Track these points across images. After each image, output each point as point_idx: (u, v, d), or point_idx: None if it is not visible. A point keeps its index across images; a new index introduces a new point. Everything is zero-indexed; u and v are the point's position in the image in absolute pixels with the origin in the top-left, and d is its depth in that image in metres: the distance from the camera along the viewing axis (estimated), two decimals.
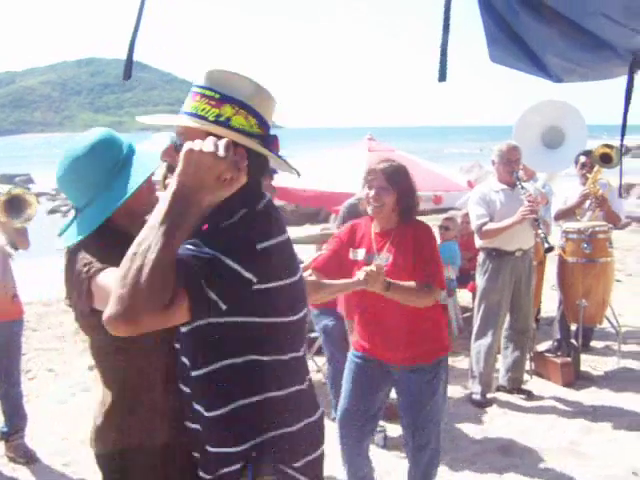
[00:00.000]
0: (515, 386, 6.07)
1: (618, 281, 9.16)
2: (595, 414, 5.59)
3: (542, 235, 5.47)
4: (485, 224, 5.72)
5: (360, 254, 3.71)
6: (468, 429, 5.38)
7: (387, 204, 3.64)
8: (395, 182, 3.65)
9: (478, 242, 5.97)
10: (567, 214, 6.68)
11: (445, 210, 8.38)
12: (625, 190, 21.58)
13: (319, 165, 8.33)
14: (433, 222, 8.43)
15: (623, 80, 3.17)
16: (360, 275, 3.37)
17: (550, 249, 5.52)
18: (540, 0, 2.59)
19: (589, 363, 6.70)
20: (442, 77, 2.11)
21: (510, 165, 5.78)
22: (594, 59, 3.39)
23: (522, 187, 5.67)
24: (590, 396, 5.98)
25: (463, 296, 8.41)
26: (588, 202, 6.64)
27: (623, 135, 3.47)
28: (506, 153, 5.81)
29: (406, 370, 3.69)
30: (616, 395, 5.96)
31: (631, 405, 5.74)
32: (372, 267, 3.37)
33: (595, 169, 6.64)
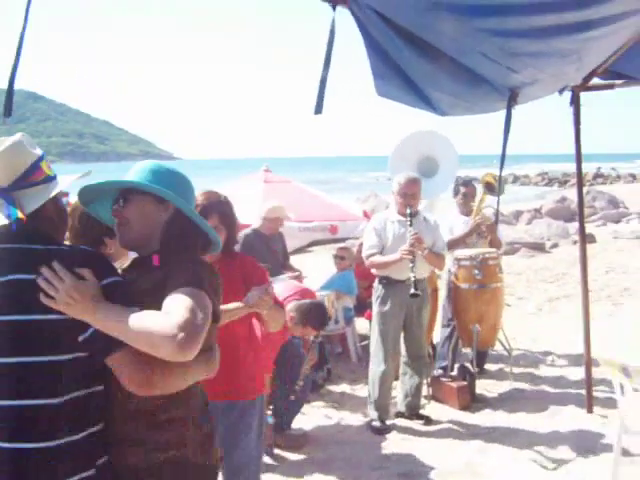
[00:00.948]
0: (413, 412, 6.14)
1: (509, 305, 9.47)
2: (491, 435, 5.73)
3: (412, 279, 5.53)
4: (373, 255, 5.82)
5: None
6: (368, 456, 5.41)
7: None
8: (226, 219, 3.57)
9: (373, 270, 6.07)
10: (457, 243, 6.87)
11: (341, 240, 8.46)
12: (514, 217, 22.37)
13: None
14: (329, 252, 8.56)
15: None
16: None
17: (414, 295, 5.56)
18: (423, 38, 2.70)
19: (484, 386, 6.89)
20: (318, 110, 2.16)
21: (405, 198, 5.85)
22: (475, 94, 3.56)
23: (410, 224, 5.74)
24: (485, 418, 6.14)
25: (361, 324, 8.50)
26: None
27: (502, 165, 3.63)
28: (403, 187, 5.88)
29: (222, 405, 3.51)
30: (510, 416, 6.15)
31: (524, 425, 5.92)
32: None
33: (479, 197, 6.92)
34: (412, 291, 5.53)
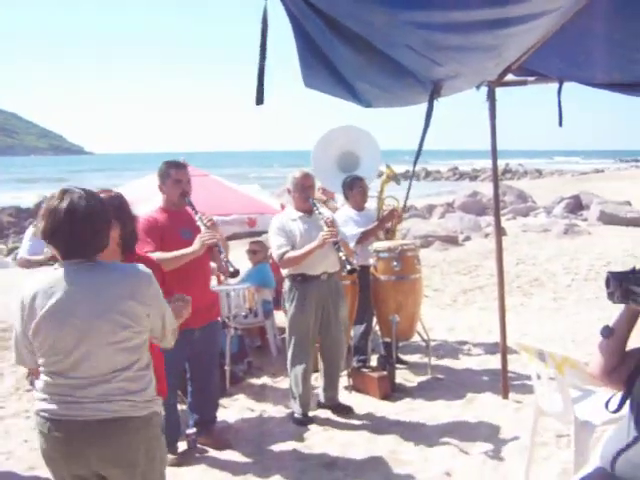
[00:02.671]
0: (334, 403, 6.20)
1: (426, 297, 9.64)
2: (411, 423, 5.85)
3: (343, 258, 5.64)
4: (286, 252, 5.74)
5: None
6: (291, 447, 5.45)
7: (112, 238, 3.28)
8: (117, 213, 3.48)
9: (283, 270, 6.03)
10: (369, 235, 6.96)
11: (260, 233, 8.46)
12: (427, 211, 22.75)
13: (127, 192, 8.16)
14: (247, 246, 8.55)
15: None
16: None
17: (352, 271, 5.72)
18: (351, 29, 2.74)
19: (403, 376, 7.01)
20: (259, 100, 2.19)
21: (305, 192, 5.87)
22: (399, 86, 3.62)
23: (319, 212, 5.81)
24: (406, 406, 6.25)
25: (280, 317, 8.52)
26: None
27: (417, 159, 3.70)
28: (300, 180, 5.88)
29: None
30: (429, 404, 6.28)
31: (443, 413, 6.07)
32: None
33: (380, 189, 7.11)
34: (348, 267, 5.60)
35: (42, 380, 2.94)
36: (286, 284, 5.98)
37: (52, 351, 2.84)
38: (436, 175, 63.23)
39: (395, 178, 7.35)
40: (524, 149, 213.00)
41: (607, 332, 2.86)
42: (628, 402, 2.84)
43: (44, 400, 2.91)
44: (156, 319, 3.03)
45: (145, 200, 6.26)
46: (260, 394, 6.73)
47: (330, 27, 2.60)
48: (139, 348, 2.97)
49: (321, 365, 6.26)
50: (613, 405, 2.84)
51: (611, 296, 2.75)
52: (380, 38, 2.86)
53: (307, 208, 5.89)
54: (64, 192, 2.91)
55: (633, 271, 2.76)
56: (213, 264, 5.49)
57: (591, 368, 3.01)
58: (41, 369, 2.93)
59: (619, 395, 2.86)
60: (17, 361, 3.08)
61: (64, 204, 2.86)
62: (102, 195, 3.35)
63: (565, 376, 4.26)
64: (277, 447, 5.47)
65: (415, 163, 3.94)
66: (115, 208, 3.47)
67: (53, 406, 2.87)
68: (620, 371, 2.87)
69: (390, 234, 7.24)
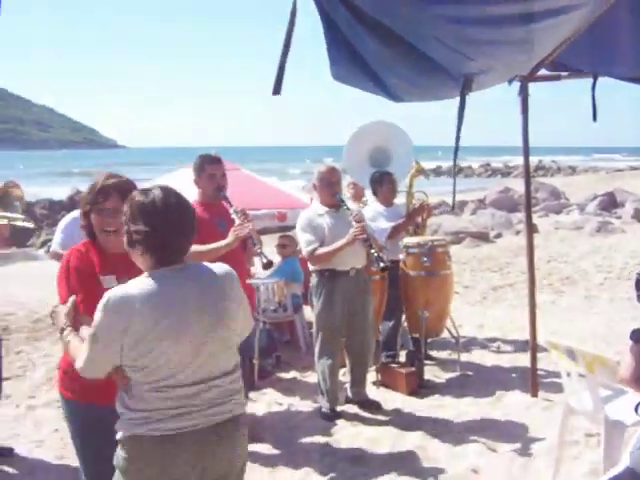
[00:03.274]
0: (361, 398, 6.18)
1: (456, 293, 9.60)
2: (439, 420, 5.82)
3: (375, 254, 5.63)
4: (316, 249, 5.73)
5: (110, 281, 3.17)
6: (319, 442, 5.46)
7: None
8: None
9: (311, 266, 6.01)
10: (400, 230, 6.93)
11: (290, 227, 8.49)
12: (459, 207, 22.65)
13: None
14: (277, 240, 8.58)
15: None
16: None
17: (385, 268, 5.71)
18: (382, 23, 2.73)
19: (432, 372, 6.98)
20: (276, 91, 2.18)
21: (332, 187, 5.84)
22: (430, 81, 3.60)
23: (347, 208, 5.80)
24: (433, 403, 6.23)
25: (309, 312, 8.53)
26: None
27: (456, 154, 3.68)
28: (326, 175, 5.87)
29: None
30: (457, 401, 6.25)
31: (470, 409, 6.04)
32: None
33: (409, 184, 7.10)
34: (381, 265, 5.60)
35: (142, 397, 2.66)
36: (314, 279, 5.98)
37: (167, 366, 2.63)
38: (468, 171, 62.84)
39: (424, 173, 7.33)
40: (562, 145, 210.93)
41: (637, 336, 2.83)
42: None
43: (148, 418, 2.65)
44: (245, 314, 2.98)
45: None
46: (288, 388, 6.74)
47: (360, 21, 2.59)
48: (236, 347, 2.93)
49: (348, 360, 6.24)
50: None
51: None
52: (410, 32, 2.85)
53: (334, 203, 5.87)
54: (148, 190, 2.73)
55: None
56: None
57: (621, 372, 2.98)
58: (143, 386, 2.65)
59: None
60: (90, 373, 2.72)
61: (166, 199, 2.70)
62: (114, 179, 3.27)
63: (596, 374, 4.22)
64: (305, 441, 5.48)
65: (455, 159, 3.93)
66: (120, 186, 3.25)
67: (170, 421, 2.66)
68: None
69: (420, 229, 7.21)
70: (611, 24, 4.23)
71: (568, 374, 4.50)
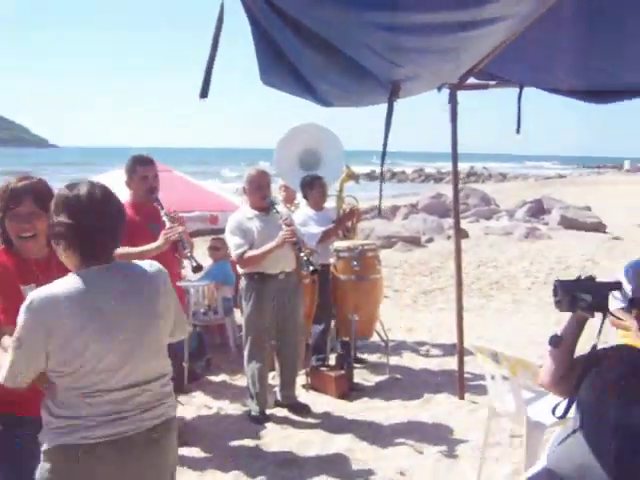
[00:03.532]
0: (291, 401, 6.20)
1: (386, 297, 9.69)
2: (368, 423, 5.87)
3: (304, 258, 5.66)
4: (245, 252, 5.72)
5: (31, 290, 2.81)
6: (248, 445, 5.45)
7: (41, 231, 2.99)
8: (44, 202, 2.89)
9: (240, 269, 5.99)
10: (330, 235, 6.95)
11: (222, 230, 8.46)
12: (391, 212, 22.84)
13: None
14: (208, 243, 8.54)
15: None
16: None
17: (314, 271, 5.75)
18: (311, 29, 2.74)
19: (362, 375, 7.04)
20: (204, 94, 2.17)
21: (261, 190, 5.84)
22: (359, 87, 3.64)
23: (277, 211, 5.80)
24: (363, 406, 6.28)
25: (240, 315, 8.51)
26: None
27: (383, 159, 3.73)
28: (256, 178, 5.87)
29: None
30: (386, 403, 6.32)
31: (399, 412, 6.12)
32: None
33: (339, 188, 7.16)
34: (311, 268, 5.65)
35: (70, 404, 2.52)
36: (243, 282, 5.96)
37: (96, 370, 2.49)
38: (401, 176, 63.54)
39: (354, 177, 7.38)
40: (495, 152, 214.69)
41: (556, 341, 2.90)
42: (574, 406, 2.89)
43: (76, 426, 2.50)
44: (178, 315, 2.91)
45: None
46: (218, 392, 6.71)
47: (289, 26, 2.61)
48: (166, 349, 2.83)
49: (278, 363, 6.24)
50: (560, 411, 2.88)
51: (559, 304, 2.78)
52: (340, 38, 2.88)
53: (263, 206, 5.87)
54: (75, 184, 2.60)
55: (579, 279, 2.80)
56: None
57: (541, 377, 3.06)
58: (71, 392, 2.51)
59: (566, 401, 2.90)
60: (13, 381, 2.53)
61: (92, 193, 2.57)
62: (25, 182, 3.05)
63: (518, 377, 4.32)
64: (234, 445, 5.46)
65: (382, 164, 3.98)
66: (46, 196, 2.97)
67: (101, 428, 2.52)
68: (569, 379, 2.91)
69: (350, 234, 7.26)
70: (539, 36, 4.34)
71: (492, 377, 4.60)
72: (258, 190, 5.84)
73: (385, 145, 3.51)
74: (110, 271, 2.62)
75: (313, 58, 3.01)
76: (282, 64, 2.98)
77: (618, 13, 4.08)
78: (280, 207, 6.01)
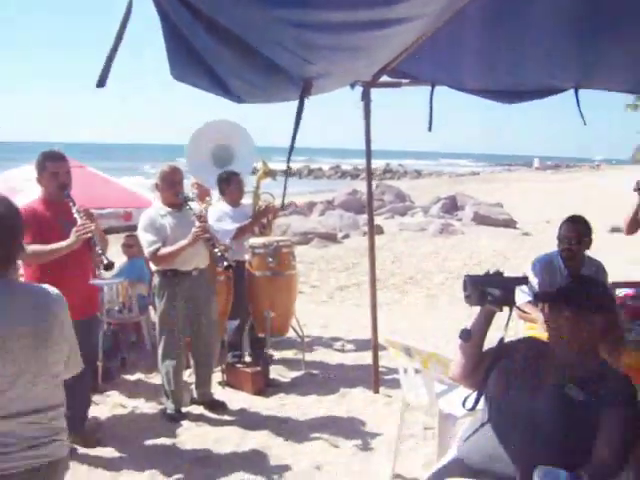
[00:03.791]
0: (206, 399, 6.17)
1: (301, 293, 9.73)
2: (284, 418, 5.91)
3: (218, 254, 5.64)
4: (158, 249, 5.65)
5: None
6: (164, 443, 5.40)
7: None
8: None
9: (153, 266, 5.92)
10: (246, 231, 6.93)
11: (136, 227, 8.35)
12: (308, 208, 22.94)
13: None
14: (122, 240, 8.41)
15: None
16: None
17: (228, 267, 5.74)
18: (222, 25, 2.73)
19: (278, 371, 7.05)
20: (101, 83, 2.14)
21: (174, 186, 5.77)
22: (271, 83, 3.64)
23: (190, 208, 5.75)
24: (279, 402, 6.31)
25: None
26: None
27: (290, 155, 3.75)
28: (169, 175, 5.79)
29: None
30: (302, 399, 6.36)
31: (314, 407, 6.17)
32: None
33: (256, 185, 7.17)
34: (225, 264, 5.61)
35: None
36: (156, 279, 5.89)
37: None
38: (318, 173, 63.93)
39: (271, 174, 7.39)
40: (411, 150, 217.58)
41: (466, 335, 2.97)
42: (483, 397, 2.97)
43: None
44: (72, 346, 2.75)
45: (20, 191, 6.11)
46: (133, 390, 6.62)
47: (199, 21, 2.59)
48: (61, 379, 2.64)
49: (193, 361, 6.20)
50: (470, 403, 2.96)
51: (468, 299, 2.85)
52: (251, 35, 2.87)
53: (176, 203, 5.81)
54: None
55: (488, 274, 2.88)
56: None
57: (452, 370, 3.13)
58: None
59: (476, 393, 2.99)
60: None
61: None
62: None
63: (430, 371, 4.41)
64: (149, 443, 5.40)
65: (288, 160, 3.99)
66: None
67: None
68: (478, 371, 2.99)
69: (266, 230, 7.26)
70: (449, 36, 4.43)
71: (405, 371, 4.69)
72: (171, 186, 5.78)
73: (293, 140, 3.52)
74: (1, 288, 2.48)
75: (224, 54, 3.00)
76: (193, 59, 2.96)
77: (523, 16, 4.22)
78: (193, 204, 5.95)
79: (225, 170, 7.27)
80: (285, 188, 4.39)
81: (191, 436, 5.56)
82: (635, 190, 5.67)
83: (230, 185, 7.05)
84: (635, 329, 4.60)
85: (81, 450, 5.18)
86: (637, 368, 4.14)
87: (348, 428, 5.67)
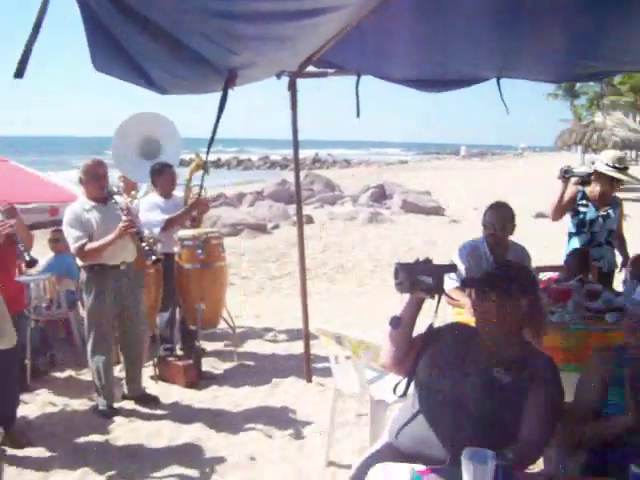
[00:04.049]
0: (138, 394, 6.11)
1: (232, 284, 9.71)
2: (217, 410, 5.90)
3: (146, 248, 5.60)
4: (85, 245, 5.56)
5: None
6: (96, 440, 5.33)
7: None
8: None
9: (80, 261, 5.79)
10: (174, 223, 6.84)
11: (62, 222, 8.21)
12: (237, 199, 22.85)
13: None
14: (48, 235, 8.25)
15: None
16: None
17: (157, 261, 5.70)
18: (144, 15, 2.69)
19: (210, 363, 7.03)
20: (19, 74, 2.09)
21: (99, 180, 5.67)
22: (195, 74, 3.62)
23: (115, 201, 5.69)
24: (212, 394, 6.29)
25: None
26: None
27: (210, 146, 3.73)
28: (93, 168, 5.69)
29: None
30: (235, 390, 6.36)
31: (248, 398, 6.18)
32: None
33: (188, 177, 7.17)
34: (153, 258, 5.59)
35: None
36: (83, 275, 5.78)
37: None
38: (247, 164, 63.65)
39: (204, 167, 7.35)
40: (342, 139, 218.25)
41: (396, 322, 3.01)
42: (413, 383, 3.02)
43: None
44: None
45: None
46: (63, 388, 6.50)
47: (120, 11, 2.55)
48: None
49: (123, 356, 6.13)
50: (400, 389, 3.01)
51: (399, 287, 2.88)
52: (174, 25, 2.84)
53: (101, 197, 5.71)
54: None
55: (418, 262, 2.93)
56: None
57: (382, 358, 3.17)
58: None
59: (406, 379, 3.03)
60: None
61: None
62: None
63: (360, 358, 4.46)
64: (81, 441, 5.32)
65: (208, 152, 3.97)
66: None
67: None
68: (408, 358, 3.04)
69: (196, 222, 7.21)
70: (374, 26, 4.47)
71: (336, 359, 4.73)
72: (95, 180, 5.67)
73: (214, 132, 3.50)
74: None
75: (146, 44, 2.96)
76: (115, 50, 2.91)
77: (447, 7, 4.28)
78: (118, 197, 5.87)
79: (158, 162, 7.19)
80: (203, 178, 4.37)
81: (124, 432, 5.50)
82: (559, 178, 5.85)
83: (162, 176, 6.97)
84: (558, 311, 4.74)
85: (10, 451, 5.07)
86: (559, 349, 4.28)
87: (282, 418, 5.70)
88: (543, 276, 5.87)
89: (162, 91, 3.63)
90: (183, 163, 8.19)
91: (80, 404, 6.07)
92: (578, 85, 68.74)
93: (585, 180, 5.96)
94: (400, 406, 3.23)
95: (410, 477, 2.54)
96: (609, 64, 5.47)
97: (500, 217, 5.07)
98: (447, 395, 2.87)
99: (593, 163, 6.04)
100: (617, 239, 6.23)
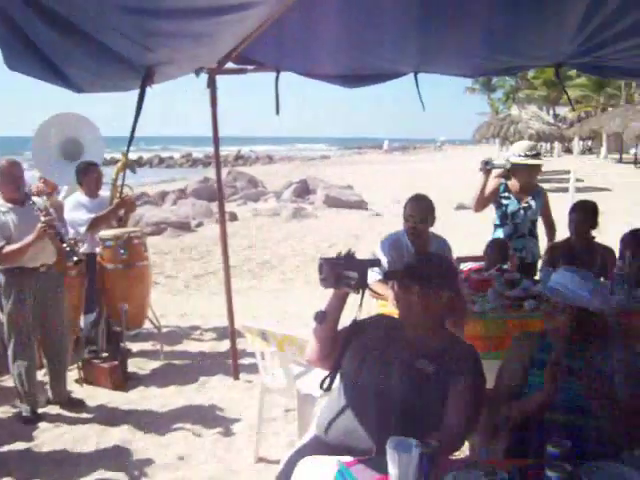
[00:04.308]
0: (63, 398, 6.01)
1: (156, 283, 9.61)
2: (144, 411, 5.85)
3: (67, 248, 5.50)
4: (3, 248, 5.40)
5: None
6: (19, 448, 5.21)
7: None
8: None
9: None
10: (100, 223, 6.69)
11: None
12: (160, 198, 22.60)
13: None
14: None
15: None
16: None
17: (78, 262, 5.61)
18: (56, 12, 2.65)
19: (136, 364, 6.96)
20: None
21: (15, 182, 5.55)
22: (111, 72, 3.57)
23: (33, 202, 5.57)
24: (139, 395, 6.24)
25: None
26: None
27: (130, 145, 3.70)
28: (9, 169, 5.54)
29: None
30: (162, 390, 6.31)
31: (174, 397, 6.15)
32: None
33: (114, 176, 7.08)
34: (74, 259, 5.49)
35: None
36: (1, 278, 5.62)
37: None
38: (170, 162, 62.91)
39: (130, 166, 7.25)
40: (266, 136, 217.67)
41: (321, 317, 3.04)
42: (338, 376, 3.06)
43: None
44: None
45: None
46: None
47: (33, 9, 2.50)
48: None
49: (46, 360, 6.01)
50: (326, 383, 3.04)
51: (324, 282, 2.91)
52: (88, 22, 2.80)
53: (18, 198, 5.57)
54: None
55: (342, 256, 2.95)
56: None
57: (307, 353, 3.19)
58: None
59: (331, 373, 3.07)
60: None
61: None
62: None
63: (286, 353, 4.48)
64: (5, 450, 5.19)
65: (128, 151, 3.94)
66: None
67: None
68: (333, 352, 3.07)
69: (123, 222, 7.10)
70: (293, 22, 4.48)
71: (262, 355, 4.74)
72: (11, 182, 5.53)
73: (133, 130, 3.46)
74: None
75: (60, 42, 2.91)
76: (27, 48, 2.84)
77: (364, 2, 4.32)
78: (36, 198, 5.74)
79: (83, 161, 7.05)
80: (124, 178, 4.33)
81: (49, 438, 5.40)
82: (480, 170, 5.99)
83: (87, 175, 6.84)
84: (478, 301, 4.85)
85: None
86: (480, 337, 4.39)
87: (210, 416, 5.68)
88: (464, 266, 6.00)
89: (78, 89, 3.57)
90: (105, 162, 8.06)
91: (3, 411, 5.93)
92: (495, 79, 70.47)
93: (505, 174, 6.14)
94: (327, 399, 3.26)
95: (337, 469, 2.58)
96: (522, 59, 5.62)
97: (420, 209, 5.13)
98: (372, 387, 2.91)
99: (508, 160, 6.19)
100: (547, 227, 6.43)
